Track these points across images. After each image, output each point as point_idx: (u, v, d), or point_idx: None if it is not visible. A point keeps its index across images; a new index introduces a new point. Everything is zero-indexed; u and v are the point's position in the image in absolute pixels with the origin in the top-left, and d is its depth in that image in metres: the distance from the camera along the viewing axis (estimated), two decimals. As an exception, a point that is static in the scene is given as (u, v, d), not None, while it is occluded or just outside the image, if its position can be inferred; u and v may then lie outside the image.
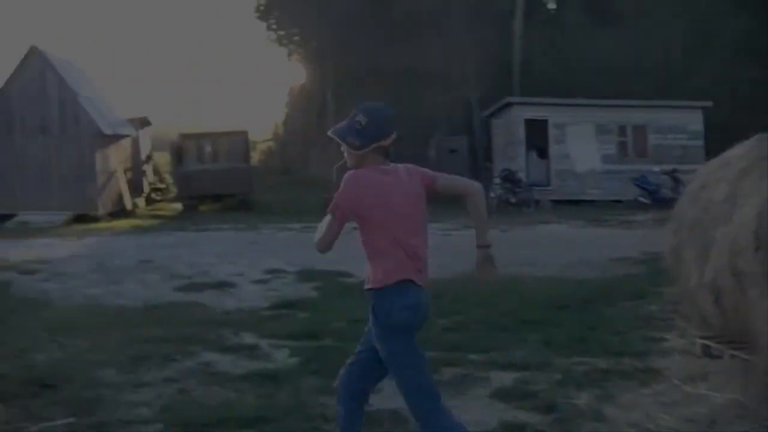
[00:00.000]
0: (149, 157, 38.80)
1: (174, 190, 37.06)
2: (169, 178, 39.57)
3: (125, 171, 33.65)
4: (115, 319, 11.26)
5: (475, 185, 5.26)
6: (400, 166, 5.23)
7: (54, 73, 30.42)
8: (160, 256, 17.60)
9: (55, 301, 12.94)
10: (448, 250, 17.78)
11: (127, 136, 34.47)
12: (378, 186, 5.02)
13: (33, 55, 30.57)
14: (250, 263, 16.29)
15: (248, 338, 9.93)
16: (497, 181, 31.25)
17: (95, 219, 28.93)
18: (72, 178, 29.68)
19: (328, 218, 5.09)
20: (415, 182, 5.16)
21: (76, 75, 32.69)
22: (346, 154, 5.18)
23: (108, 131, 31.09)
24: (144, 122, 37.61)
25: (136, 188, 34.79)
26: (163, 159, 40.85)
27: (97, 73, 37.07)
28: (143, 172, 36.77)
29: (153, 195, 37.58)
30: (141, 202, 35.08)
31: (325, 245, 5.13)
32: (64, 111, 30.15)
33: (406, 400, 5.15)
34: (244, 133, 35.14)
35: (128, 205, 32.56)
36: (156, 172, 39.95)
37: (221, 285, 13.99)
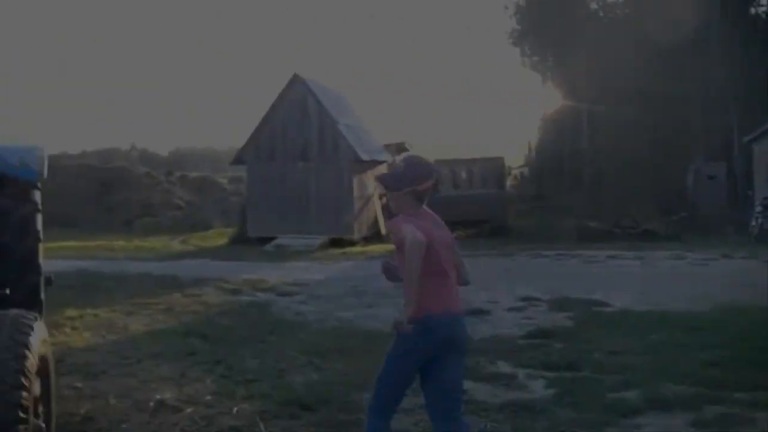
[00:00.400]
0: (404, 183, 39.26)
1: (428, 216, 37.34)
2: (422, 203, 39.93)
3: (380, 196, 34.18)
4: (371, 342, 11.32)
5: (467, 282, 6.02)
6: (433, 214, 6.02)
7: (315, 100, 31.31)
8: (415, 281, 17.65)
9: (311, 323, 13.19)
10: (705, 280, 17.16)
11: (384, 161, 35.02)
12: (430, 230, 5.68)
13: (295, 82, 31.57)
14: (504, 290, 16.12)
15: (504, 367, 9.79)
16: (759, 209, 29.77)
17: (351, 243, 29.50)
18: (329, 203, 30.43)
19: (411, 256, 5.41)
20: (446, 229, 5.92)
21: (335, 102, 33.53)
22: (387, 197, 6.04)
23: (365, 157, 31.67)
24: (400, 148, 38.12)
25: (390, 213, 35.23)
26: (418, 184, 41.28)
27: (356, 99, 37.90)
28: (398, 197, 37.20)
29: (407, 220, 37.95)
30: (395, 227, 35.49)
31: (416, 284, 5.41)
32: (323, 137, 30.97)
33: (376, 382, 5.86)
34: (500, 160, 35.02)
35: (383, 230, 33.03)
36: (410, 196, 40.36)
37: (476, 312, 13.86)
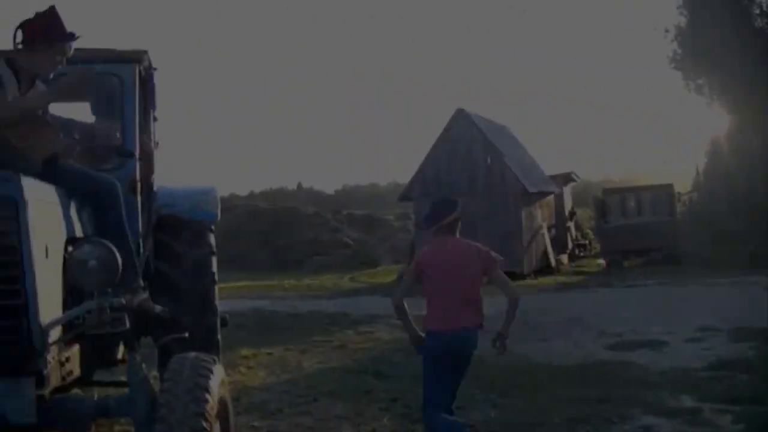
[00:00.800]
0: (572, 213, 38.79)
1: (597, 246, 36.79)
2: (590, 234, 39.34)
3: (549, 228, 33.82)
4: (547, 378, 11.13)
5: (515, 296, 7.60)
6: (473, 245, 7.62)
7: (479, 133, 31.14)
8: (588, 314, 17.34)
9: (487, 358, 12.95)
10: None
11: (552, 193, 34.67)
12: (436, 258, 7.35)
13: (459, 116, 31.49)
14: (680, 320, 15.63)
15: (687, 401, 9.45)
16: None
17: (521, 276, 29.17)
18: (497, 237, 29.99)
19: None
20: (473, 260, 7.41)
21: (500, 134, 33.37)
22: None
23: (532, 189, 31.33)
24: (567, 178, 37.73)
25: (559, 245, 34.85)
26: (585, 214, 40.73)
27: (522, 131, 37.68)
28: (567, 229, 36.80)
29: (576, 251, 37.52)
30: (564, 258, 35.07)
31: (397, 297, 7.43)
32: (489, 171, 30.69)
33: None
34: (669, 187, 34.15)
35: (552, 262, 32.65)
36: (578, 227, 39.85)
37: (653, 343, 13.52)
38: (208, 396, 4.66)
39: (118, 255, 4.85)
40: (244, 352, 13.38)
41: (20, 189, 4.66)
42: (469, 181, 30.83)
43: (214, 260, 8.11)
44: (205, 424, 4.52)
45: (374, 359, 13.19)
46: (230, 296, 19.49)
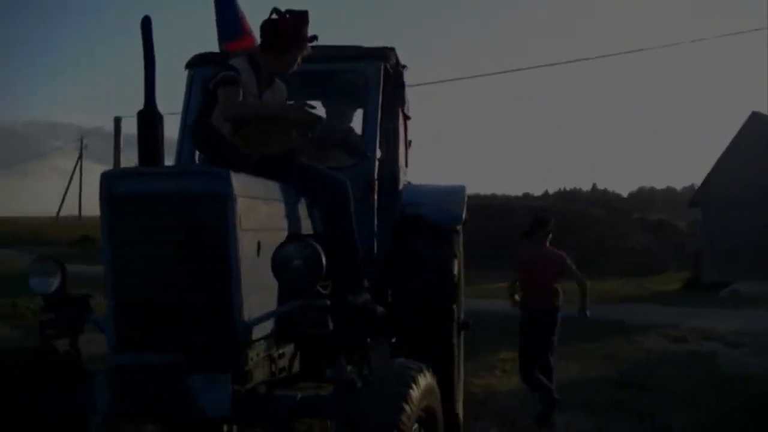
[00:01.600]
0: None
1: None
2: None
3: None
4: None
5: (582, 280, 9.93)
6: (552, 252, 9.88)
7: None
8: None
9: (756, 378, 12.24)
10: None
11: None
12: (527, 257, 9.95)
13: (754, 120, 30.22)
14: None
15: None
16: None
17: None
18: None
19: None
20: (549, 262, 9.74)
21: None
22: None
23: (835, 201, 29.54)
24: None
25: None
26: None
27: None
28: None
29: None
30: None
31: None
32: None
33: None
34: None
35: None
36: None
37: None
38: (406, 406, 4.52)
39: (322, 255, 4.76)
40: (504, 354, 13.18)
41: (230, 185, 4.66)
42: (760, 189, 29.26)
43: (456, 263, 7.76)
44: (399, 434, 4.38)
45: (638, 371, 12.71)
46: (497, 296, 19.37)
